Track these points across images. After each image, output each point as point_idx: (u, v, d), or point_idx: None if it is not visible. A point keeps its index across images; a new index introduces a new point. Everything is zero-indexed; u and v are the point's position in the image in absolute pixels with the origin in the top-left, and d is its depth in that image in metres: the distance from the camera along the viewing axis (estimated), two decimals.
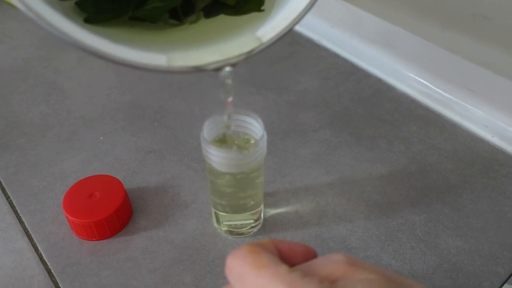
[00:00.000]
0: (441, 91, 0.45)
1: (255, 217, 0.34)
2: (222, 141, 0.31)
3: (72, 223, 0.34)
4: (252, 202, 0.33)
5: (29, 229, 0.36)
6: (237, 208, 0.33)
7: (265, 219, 0.36)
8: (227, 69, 0.24)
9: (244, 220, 0.34)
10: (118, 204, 0.34)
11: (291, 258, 0.23)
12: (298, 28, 0.56)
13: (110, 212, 0.34)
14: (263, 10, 0.26)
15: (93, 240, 0.34)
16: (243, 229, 0.34)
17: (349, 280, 0.21)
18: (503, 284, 0.32)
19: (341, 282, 0.21)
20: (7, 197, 0.38)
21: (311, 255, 0.24)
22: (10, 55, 0.55)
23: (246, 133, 0.31)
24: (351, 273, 0.21)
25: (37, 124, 0.45)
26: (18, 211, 0.37)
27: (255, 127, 0.30)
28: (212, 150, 0.28)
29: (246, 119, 0.30)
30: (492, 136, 0.41)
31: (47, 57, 0.54)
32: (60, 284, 0.32)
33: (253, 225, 0.34)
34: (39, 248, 0.34)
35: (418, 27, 0.54)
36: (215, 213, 0.34)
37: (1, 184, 0.39)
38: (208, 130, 0.30)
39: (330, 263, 0.22)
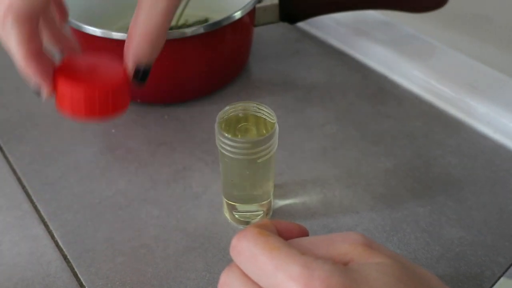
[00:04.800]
0: (444, 88, 0.46)
1: (265, 207, 0.35)
2: (230, 122, 0.32)
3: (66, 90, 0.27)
4: (263, 193, 0.34)
5: (45, 217, 0.37)
6: (248, 199, 0.35)
7: (274, 210, 0.37)
8: None
9: (254, 210, 0.35)
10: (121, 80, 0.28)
11: (287, 237, 0.24)
12: (305, 26, 0.57)
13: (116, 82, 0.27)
14: None
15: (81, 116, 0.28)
16: (254, 219, 0.36)
17: (363, 263, 0.22)
18: (502, 275, 0.33)
19: (354, 264, 0.22)
20: (23, 187, 0.39)
21: (304, 233, 0.26)
22: None
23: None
24: (366, 255, 0.22)
25: (50, 116, 0.46)
26: (34, 200, 0.38)
27: (270, 114, 0.31)
28: (226, 140, 0.29)
29: (260, 106, 0.31)
30: (494, 132, 0.43)
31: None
32: (76, 269, 0.33)
33: (263, 215, 0.36)
34: (55, 235, 0.36)
35: (422, 27, 0.55)
36: (227, 203, 0.35)
37: (17, 174, 0.41)
38: (220, 118, 0.31)
39: (348, 241, 0.23)
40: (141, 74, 0.29)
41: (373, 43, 0.52)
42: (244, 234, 0.23)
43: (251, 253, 0.22)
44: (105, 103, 0.27)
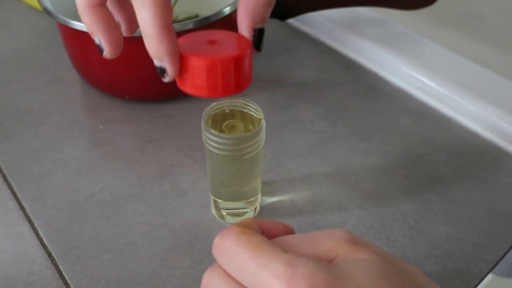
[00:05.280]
0: (434, 86, 0.46)
1: (253, 204, 0.35)
2: (217, 118, 0.31)
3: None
4: (250, 190, 0.34)
5: (30, 214, 0.36)
6: (236, 196, 0.34)
7: (262, 207, 0.37)
8: None
9: (242, 207, 0.35)
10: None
11: (272, 236, 0.24)
12: (295, 23, 0.57)
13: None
14: None
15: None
16: (241, 216, 0.35)
17: (347, 260, 0.22)
18: (489, 271, 0.33)
19: (339, 261, 0.22)
20: (8, 184, 0.39)
21: (289, 233, 0.25)
22: (10, 45, 0.55)
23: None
24: (351, 252, 0.22)
25: (37, 112, 0.46)
26: (19, 197, 0.38)
27: (257, 109, 0.31)
28: (212, 136, 0.29)
29: (247, 102, 0.31)
30: (483, 130, 0.43)
31: (47, 47, 0.54)
32: (61, 267, 0.33)
33: (250, 212, 0.35)
34: (40, 232, 0.35)
35: (414, 24, 0.55)
36: (214, 200, 0.35)
37: (2, 171, 0.40)
38: (206, 114, 0.31)
39: (333, 238, 0.23)
40: (259, 38, 0.27)
41: (364, 40, 0.51)
42: (226, 233, 0.22)
43: (234, 252, 0.21)
44: (227, 77, 0.25)
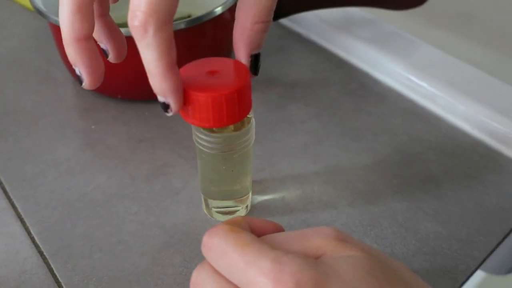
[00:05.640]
0: (425, 85, 0.46)
1: (244, 203, 0.35)
2: None
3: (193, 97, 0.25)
4: (241, 189, 0.34)
5: (22, 213, 0.37)
6: (227, 194, 0.35)
7: (253, 205, 0.37)
8: None
9: (233, 205, 0.35)
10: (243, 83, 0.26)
11: (261, 234, 0.24)
12: (288, 23, 0.57)
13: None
14: None
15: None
16: (233, 214, 0.36)
17: (334, 257, 0.22)
18: (477, 268, 0.33)
19: (326, 257, 0.22)
20: (0, 183, 0.39)
21: (279, 231, 0.26)
22: (2, 45, 0.55)
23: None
24: (338, 249, 0.22)
25: (30, 112, 0.46)
26: (11, 197, 0.38)
27: None
28: (202, 135, 0.29)
29: None
30: (473, 129, 0.43)
31: (40, 47, 0.54)
32: (52, 266, 0.33)
33: (242, 210, 0.36)
34: (31, 231, 0.35)
35: (406, 25, 0.55)
36: (205, 199, 0.35)
37: None
38: None
39: (320, 236, 0.23)
40: (256, 63, 0.28)
41: (355, 40, 0.52)
42: (215, 231, 0.23)
43: (223, 250, 0.22)
44: (232, 107, 0.26)
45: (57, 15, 0.41)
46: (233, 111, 0.26)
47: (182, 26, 0.41)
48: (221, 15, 0.43)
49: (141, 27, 0.22)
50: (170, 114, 0.25)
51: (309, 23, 0.55)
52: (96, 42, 0.27)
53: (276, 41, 0.55)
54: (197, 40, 0.44)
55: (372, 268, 0.22)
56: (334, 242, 0.23)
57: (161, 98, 0.25)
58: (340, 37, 0.53)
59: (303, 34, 0.56)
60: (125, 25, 0.25)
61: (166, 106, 0.25)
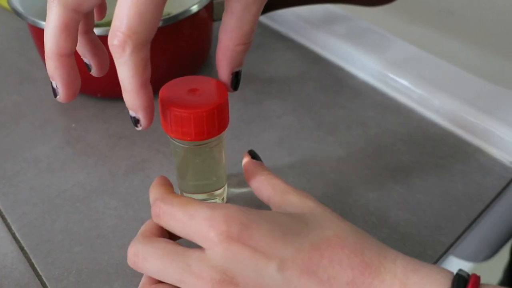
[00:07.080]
0: (398, 79, 0.48)
1: (220, 196, 0.36)
2: None
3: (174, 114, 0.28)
4: (216, 182, 0.35)
5: (2, 210, 0.37)
6: (202, 188, 0.36)
7: (229, 198, 0.38)
8: None
9: (209, 198, 0.36)
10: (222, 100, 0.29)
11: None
12: (266, 20, 0.59)
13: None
14: None
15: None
16: None
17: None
18: (444, 253, 0.35)
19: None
20: None
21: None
22: None
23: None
24: (219, 249, 0.26)
25: (10, 112, 0.46)
26: None
27: None
28: None
29: None
30: (443, 120, 0.45)
31: (20, 48, 0.55)
32: (33, 260, 0.34)
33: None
34: (12, 227, 0.36)
35: (386, 21, 0.57)
36: (181, 192, 0.36)
37: None
38: None
39: (210, 229, 0.26)
40: (237, 79, 0.30)
41: (331, 37, 0.53)
42: (160, 199, 0.28)
43: (170, 213, 0.27)
44: (212, 123, 0.29)
45: (35, 16, 0.42)
46: (213, 126, 0.29)
47: (160, 24, 0.42)
48: (197, 13, 0.44)
49: (120, 47, 0.23)
50: (139, 128, 0.28)
51: (287, 20, 0.57)
52: (77, 56, 0.28)
53: (255, 39, 0.56)
54: (174, 38, 0.45)
55: (287, 220, 0.27)
56: (218, 240, 0.25)
57: (132, 113, 0.27)
58: (317, 34, 0.54)
59: (282, 32, 0.57)
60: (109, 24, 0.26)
61: (136, 121, 0.27)
